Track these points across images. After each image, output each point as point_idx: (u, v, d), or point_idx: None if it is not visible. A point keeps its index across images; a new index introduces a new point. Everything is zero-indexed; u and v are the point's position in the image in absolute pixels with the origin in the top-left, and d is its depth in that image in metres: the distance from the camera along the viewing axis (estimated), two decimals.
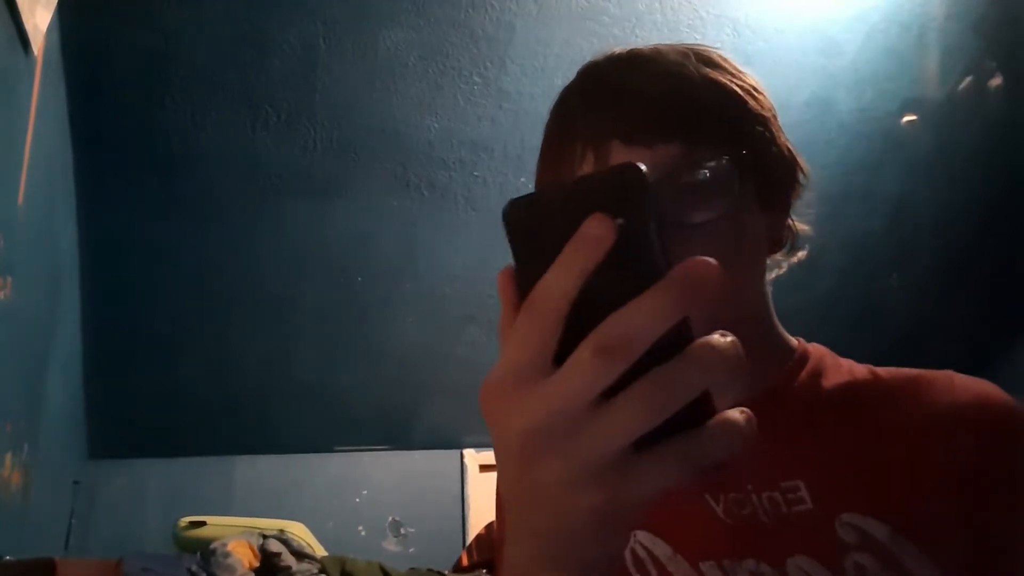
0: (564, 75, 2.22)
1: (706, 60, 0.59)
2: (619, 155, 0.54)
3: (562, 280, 0.30)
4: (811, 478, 0.55)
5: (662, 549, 0.58)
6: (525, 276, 0.32)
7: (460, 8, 2.13)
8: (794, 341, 0.65)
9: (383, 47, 2.16)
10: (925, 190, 2.82)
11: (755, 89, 0.61)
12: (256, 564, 2.15)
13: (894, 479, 0.53)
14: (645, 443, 0.30)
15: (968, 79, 2.60)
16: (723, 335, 0.30)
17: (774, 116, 0.62)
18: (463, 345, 2.88)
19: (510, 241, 0.33)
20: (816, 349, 0.65)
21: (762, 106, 0.60)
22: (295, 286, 2.61)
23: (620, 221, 0.30)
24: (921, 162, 2.76)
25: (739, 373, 0.30)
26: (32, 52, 1.62)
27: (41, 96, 1.77)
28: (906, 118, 2.65)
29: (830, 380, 0.61)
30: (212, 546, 2.13)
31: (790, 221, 0.65)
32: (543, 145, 0.64)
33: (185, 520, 2.50)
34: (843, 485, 0.54)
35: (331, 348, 2.78)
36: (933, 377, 0.59)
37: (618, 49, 0.61)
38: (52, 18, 1.68)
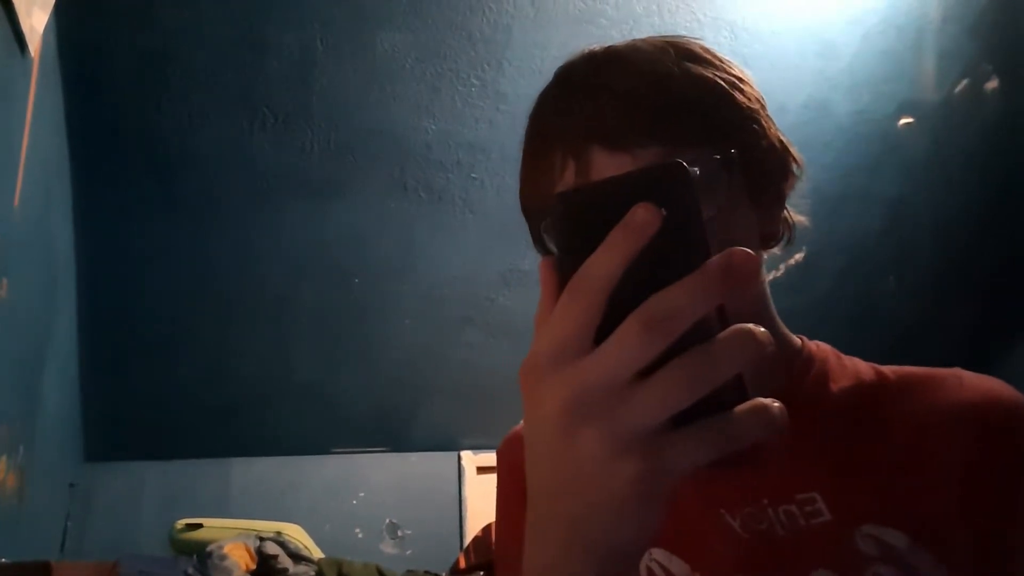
0: None
1: (687, 54, 0.56)
2: (601, 161, 0.53)
3: (606, 261, 0.31)
4: (827, 489, 0.54)
5: (679, 567, 0.56)
6: (568, 265, 0.33)
7: (457, 10, 2.13)
8: (797, 340, 0.64)
9: (380, 49, 2.16)
10: (922, 192, 2.83)
11: (740, 80, 0.59)
12: (253, 566, 2.14)
13: (908, 485, 0.52)
14: (682, 420, 0.31)
15: (964, 82, 2.60)
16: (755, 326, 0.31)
17: (762, 106, 0.60)
18: (461, 347, 2.88)
19: (556, 232, 0.34)
20: (820, 349, 0.63)
21: (749, 98, 0.58)
22: (293, 288, 2.61)
23: (664, 212, 0.31)
24: (918, 164, 2.77)
25: (768, 359, 0.30)
26: (29, 53, 1.62)
27: (38, 97, 1.77)
28: (903, 120, 2.65)
29: (837, 383, 0.59)
30: (209, 548, 2.12)
31: (786, 213, 0.63)
32: (523, 155, 0.63)
33: (181, 522, 2.49)
34: (859, 495, 0.53)
35: (328, 350, 2.78)
36: (941, 377, 0.58)
37: (594, 46, 0.59)
38: (49, 19, 1.68)
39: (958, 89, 2.62)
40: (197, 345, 2.67)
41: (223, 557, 2.06)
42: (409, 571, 2.50)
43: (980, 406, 0.54)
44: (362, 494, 3.02)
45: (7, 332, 1.71)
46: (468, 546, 2.48)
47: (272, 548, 2.19)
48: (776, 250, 0.65)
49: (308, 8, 2.06)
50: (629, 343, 0.30)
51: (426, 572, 2.51)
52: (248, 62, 2.12)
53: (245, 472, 2.94)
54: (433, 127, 2.35)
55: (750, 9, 2.28)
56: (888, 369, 0.61)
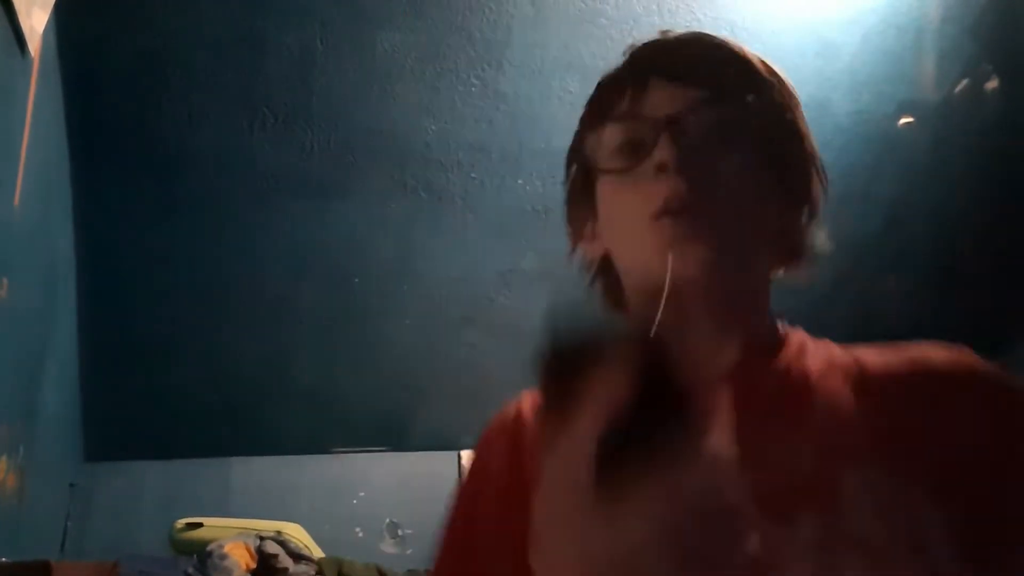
0: (561, 77, 2.25)
1: (742, 50, 0.65)
2: (655, 91, 0.59)
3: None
4: (803, 446, 0.55)
5: None
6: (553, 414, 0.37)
7: (457, 10, 2.13)
8: (780, 328, 0.65)
9: (380, 49, 2.16)
10: (922, 192, 2.83)
11: (782, 81, 0.66)
12: (253, 566, 2.14)
13: (882, 449, 0.53)
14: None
15: (964, 82, 2.60)
16: None
17: (802, 113, 0.66)
18: (461, 347, 2.88)
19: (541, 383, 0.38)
20: (796, 333, 0.65)
21: (786, 94, 0.65)
22: (292, 288, 2.61)
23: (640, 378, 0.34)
24: (918, 164, 2.77)
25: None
26: (29, 53, 1.62)
27: (38, 97, 1.77)
28: (903, 120, 2.65)
29: (813, 358, 0.61)
30: (209, 548, 2.13)
31: (807, 233, 0.65)
32: (584, 113, 0.67)
33: (182, 522, 2.49)
34: (835, 452, 0.54)
35: (328, 349, 2.78)
36: (911, 357, 0.59)
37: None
38: (48, 19, 1.68)
39: (958, 89, 2.62)
40: (197, 345, 2.67)
41: (223, 556, 2.06)
42: (409, 571, 2.50)
43: (950, 382, 0.57)
44: (362, 494, 3.02)
45: (7, 332, 1.71)
46: None
47: (272, 547, 2.19)
48: (794, 270, 0.67)
49: (308, 8, 2.06)
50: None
51: (427, 571, 2.51)
52: (248, 62, 2.12)
53: (245, 472, 2.93)
54: (433, 127, 2.35)
55: (750, 9, 2.28)
56: (864, 352, 0.62)
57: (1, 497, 1.76)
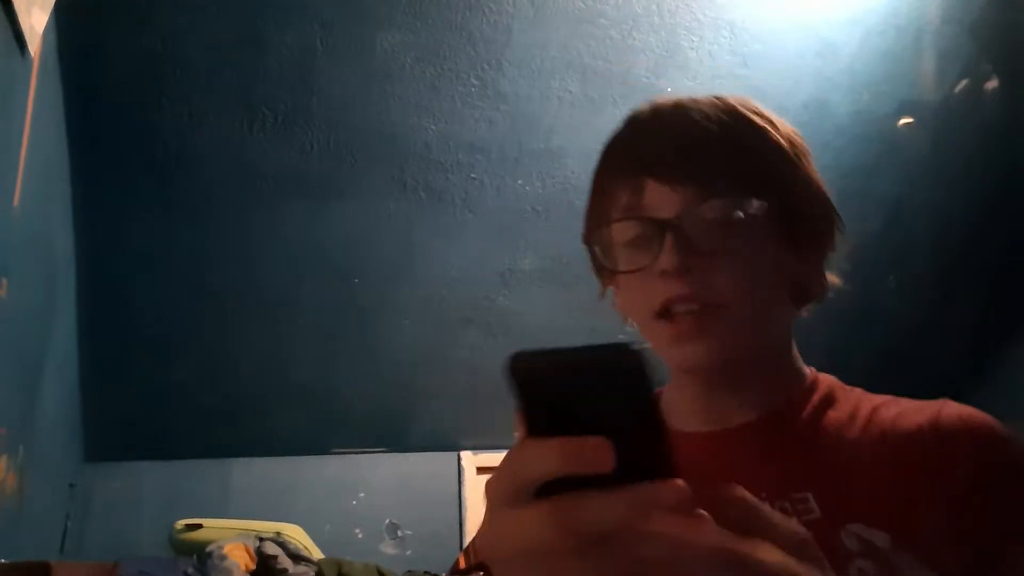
0: (561, 77, 2.24)
1: (731, 109, 0.63)
2: (652, 191, 0.60)
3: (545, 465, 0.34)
4: (819, 490, 0.58)
5: None
6: (531, 426, 0.36)
7: (457, 10, 2.13)
8: (807, 371, 0.68)
9: (380, 49, 2.16)
10: (922, 192, 2.83)
11: (780, 130, 0.64)
12: (253, 567, 2.14)
13: (893, 494, 0.56)
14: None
15: (964, 82, 2.60)
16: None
17: (806, 157, 0.65)
18: (460, 347, 2.88)
19: (516, 390, 0.37)
20: (825, 378, 0.68)
21: (790, 147, 0.64)
22: (292, 288, 2.61)
23: (615, 394, 0.34)
24: (918, 164, 2.77)
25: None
26: (28, 53, 1.62)
27: (37, 98, 1.77)
28: (903, 121, 2.65)
29: (839, 406, 0.64)
30: (208, 549, 2.13)
31: (824, 273, 0.68)
32: (590, 188, 0.69)
33: (181, 523, 2.50)
34: (848, 498, 0.57)
35: (328, 350, 2.78)
36: (929, 404, 0.63)
37: (661, 99, 0.67)
38: (48, 20, 1.68)
39: (958, 89, 2.62)
40: (197, 345, 2.67)
41: (223, 557, 2.06)
42: (409, 571, 2.50)
43: (961, 429, 0.59)
44: (362, 494, 3.02)
45: (7, 332, 1.71)
46: (468, 546, 2.48)
47: (272, 548, 2.19)
48: (810, 306, 0.69)
49: (308, 8, 2.06)
50: (534, 524, 0.33)
51: (426, 572, 2.51)
52: (248, 62, 2.12)
53: (245, 472, 2.93)
54: (433, 127, 2.35)
55: (750, 9, 2.28)
56: (881, 397, 0.65)
57: (1, 497, 1.76)
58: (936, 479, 0.56)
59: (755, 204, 0.59)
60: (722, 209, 0.59)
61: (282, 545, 2.24)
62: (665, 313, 0.59)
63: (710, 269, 0.58)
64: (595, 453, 0.32)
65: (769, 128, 0.63)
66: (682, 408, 0.65)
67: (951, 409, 0.61)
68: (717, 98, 0.64)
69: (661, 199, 0.60)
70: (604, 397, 0.34)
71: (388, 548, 2.96)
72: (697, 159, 0.60)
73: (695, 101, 0.63)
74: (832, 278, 0.69)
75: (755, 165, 0.61)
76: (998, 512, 0.55)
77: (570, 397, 0.34)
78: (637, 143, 0.65)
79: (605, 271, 0.68)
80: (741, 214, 0.59)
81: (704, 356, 0.59)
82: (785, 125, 0.65)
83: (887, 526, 0.54)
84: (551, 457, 0.34)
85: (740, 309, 0.59)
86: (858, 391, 0.67)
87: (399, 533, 3.00)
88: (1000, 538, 0.54)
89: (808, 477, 0.58)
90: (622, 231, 0.63)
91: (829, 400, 0.64)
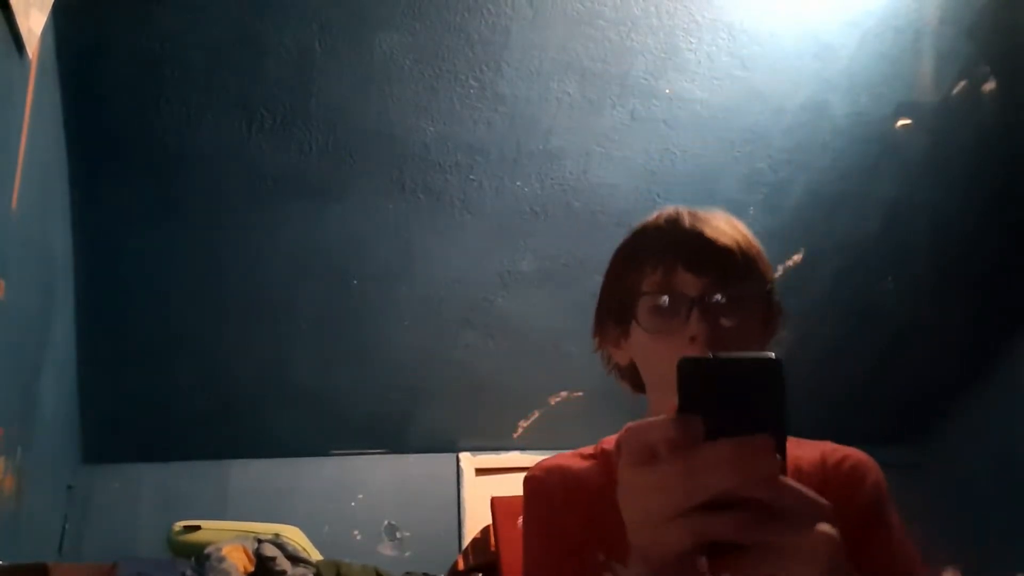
0: (560, 78, 2.24)
1: (746, 232, 0.87)
2: (681, 277, 0.82)
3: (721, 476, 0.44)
4: None
5: None
6: (692, 416, 0.46)
7: (456, 12, 2.13)
8: None
9: (379, 50, 2.16)
10: (920, 193, 2.83)
11: (761, 253, 0.88)
12: (251, 568, 2.14)
13: None
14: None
15: (962, 83, 2.61)
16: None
17: (768, 264, 0.89)
18: (459, 348, 2.88)
19: (683, 387, 0.47)
20: None
21: (769, 268, 0.88)
22: (291, 289, 2.61)
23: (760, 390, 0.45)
24: (916, 165, 2.77)
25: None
26: (27, 55, 1.62)
27: (36, 99, 1.77)
28: (901, 122, 2.66)
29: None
30: (207, 551, 2.12)
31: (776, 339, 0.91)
32: (617, 258, 0.91)
33: (180, 524, 2.49)
34: None
35: (326, 351, 2.77)
36: (815, 445, 0.88)
37: (684, 208, 0.89)
38: (47, 21, 1.68)
39: (956, 91, 2.62)
40: (195, 347, 2.67)
41: (221, 559, 2.06)
42: (408, 573, 2.50)
43: (842, 459, 0.86)
44: (360, 496, 3.02)
45: (5, 334, 1.71)
46: (467, 548, 2.48)
47: (270, 550, 2.19)
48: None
49: (306, 9, 2.06)
50: (717, 459, 0.44)
51: (424, 574, 2.51)
52: (246, 63, 2.12)
53: (243, 474, 2.93)
54: (431, 128, 2.35)
55: (748, 11, 2.28)
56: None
57: None
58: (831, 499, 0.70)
59: (753, 297, 0.82)
60: (732, 294, 0.81)
61: (280, 547, 2.24)
62: None
63: (722, 340, 0.78)
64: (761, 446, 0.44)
65: (758, 247, 0.87)
66: None
67: (830, 447, 0.88)
68: (723, 215, 0.87)
69: (687, 282, 0.81)
70: (756, 394, 0.45)
71: (387, 549, 2.96)
72: (719, 260, 0.82)
73: (719, 216, 0.87)
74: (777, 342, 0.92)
75: (754, 270, 0.84)
76: (871, 519, 0.80)
77: (730, 395, 0.45)
78: (677, 239, 0.84)
79: (615, 333, 0.89)
80: (743, 299, 0.81)
81: None
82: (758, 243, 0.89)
83: None
84: (723, 456, 0.44)
85: None
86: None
87: (398, 534, 3.00)
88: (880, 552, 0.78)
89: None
90: (653, 298, 0.83)
91: None
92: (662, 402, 0.84)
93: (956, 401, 3.37)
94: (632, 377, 0.92)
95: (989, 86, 2.62)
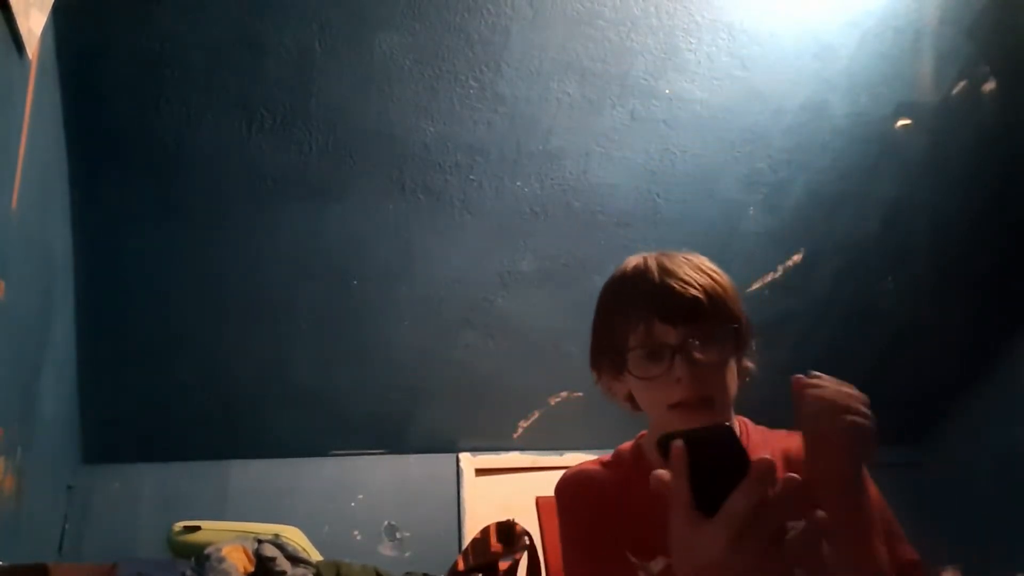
0: (560, 79, 2.24)
1: (707, 267, 0.98)
2: (659, 328, 0.93)
3: (747, 497, 0.55)
4: None
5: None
6: (697, 483, 0.59)
7: (456, 12, 2.13)
8: (737, 420, 1.04)
9: (379, 51, 2.16)
10: (920, 193, 2.83)
11: (734, 289, 0.99)
12: (251, 569, 2.14)
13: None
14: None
15: (962, 83, 2.61)
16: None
17: (737, 296, 0.99)
18: (459, 349, 2.88)
19: (691, 460, 0.59)
20: (743, 425, 1.06)
21: (736, 298, 0.98)
22: (290, 290, 2.61)
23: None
24: (916, 166, 2.77)
25: None
26: (27, 55, 1.62)
27: (36, 100, 1.77)
28: (900, 122, 2.66)
29: (754, 439, 1.04)
30: (207, 551, 2.12)
31: (748, 364, 1.02)
32: (601, 310, 1.03)
33: (179, 525, 2.49)
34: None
35: (326, 351, 2.77)
36: (790, 434, 1.01)
37: (654, 255, 1.00)
38: (47, 21, 1.68)
39: (956, 91, 2.62)
40: (195, 347, 2.67)
41: (221, 560, 2.06)
42: (408, 573, 2.50)
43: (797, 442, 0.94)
44: (360, 496, 3.02)
45: (4, 335, 1.71)
46: (467, 548, 2.48)
47: (270, 550, 2.19)
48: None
49: (306, 9, 2.06)
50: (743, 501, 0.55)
51: (425, 574, 2.51)
52: (246, 63, 2.12)
53: (243, 474, 2.93)
54: (431, 129, 2.35)
55: (748, 11, 2.29)
56: (764, 429, 1.06)
57: None
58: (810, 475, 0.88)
59: (725, 335, 0.94)
60: (706, 335, 0.93)
61: (280, 547, 2.23)
62: (676, 406, 0.92)
63: (704, 376, 0.91)
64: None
65: (724, 283, 0.97)
66: None
67: (787, 435, 1.02)
68: (686, 257, 0.98)
69: (666, 333, 0.93)
70: (721, 451, 0.58)
71: (387, 550, 2.96)
72: (691, 310, 0.92)
73: (684, 263, 0.97)
74: (750, 364, 1.02)
75: (723, 310, 0.94)
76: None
77: (707, 456, 0.58)
78: (650, 294, 0.95)
79: (610, 374, 1.01)
80: (718, 341, 0.93)
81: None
82: (725, 275, 0.98)
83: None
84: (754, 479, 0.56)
85: (721, 399, 0.94)
86: (754, 426, 1.06)
87: (398, 535, 3.00)
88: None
89: None
90: (640, 351, 0.94)
91: (749, 433, 1.04)
92: (661, 421, 0.97)
93: (956, 401, 3.37)
94: (631, 401, 1.02)
95: (989, 86, 2.63)
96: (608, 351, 1.00)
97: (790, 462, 0.96)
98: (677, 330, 0.92)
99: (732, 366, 0.96)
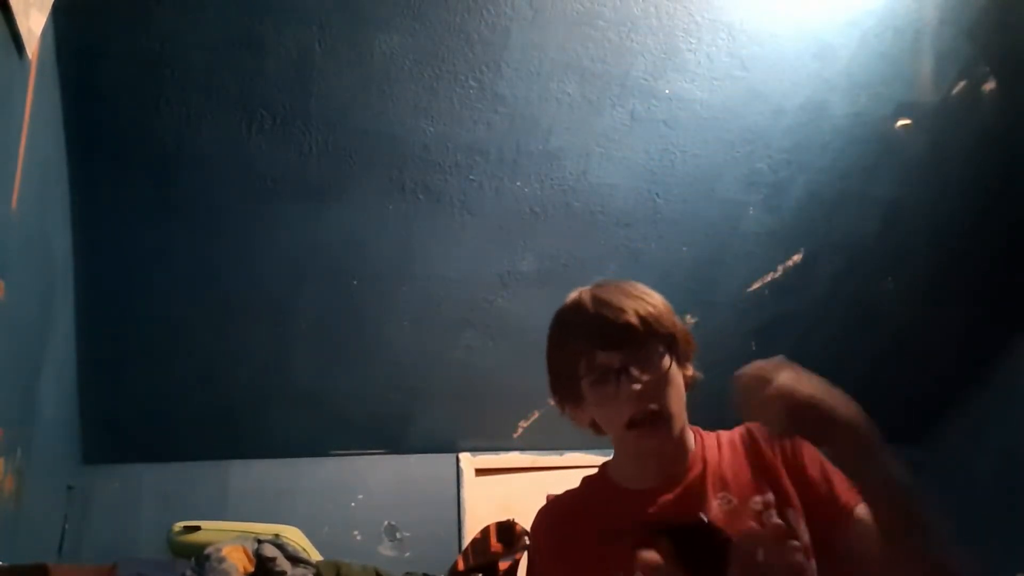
0: (559, 79, 2.25)
1: (636, 292, 1.05)
2: (601, 356, 1.01)
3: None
4: (727, 484, 1.02)
5: None
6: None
7: (456, 12, 2.13)
8: (691, 429, 1.08)
9: (379, 51, 2.16)
10: (919, 194, 2.84)
11: (666, 306, 1.06)
12: (251, 569, 2.14)
13: (755, 475, 1.03)
14: None
15: (962, 83, 2.61)
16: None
17: (671, 310, 1.07)
18: (459, 349, 2.88)
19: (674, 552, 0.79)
20: (695, 429, 1.09)
21: (670, 315, 1.05)
22: (291, 290, 2.61)
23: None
24: (916, 166, 2.77)
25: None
26: (26, 55, 1.62)
27: (35, 100, 1.76)
28: (900, 122, 2.66)
29: (707, 442, 1.08)
30: (207, 551, 2.12)
31: (692, 372, 1.08)
32: (549, 346, 1.10)
33: (179, 525, 2.49)
34: (741, 483, 1.02)
35: (326, 352, 2.77)
36: (737, 429, 1.09)
37: (588, 288, 1.07)
38: (46, 21, 1.68)
39: (955, 91, 2.62)
40: (195, 347, 2.67)
41: (221, 560, 2.06)
42: (408, 573, 2.50)
43: (754, 429, 1.07)
44: (360, 496, 3.02)
45: (4, 335, 1.71)
46: (467, 548, 2.48)
47: (270, 550, 2.19)
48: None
49: (306, 10, 2.06)
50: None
51: (425, 574, 2.51)
52: (246, 64, 2.12)
53: (243, 475, 2.93)
54: (431, 129, 2.35)
55: (748, 11, 2.29)
56: (714, 432, 1.11)
57: None
58: (761, 460, 1.03)
59: (662, 348, 1.01)
60: (644, 355, 1.00)
61: (280, 547, 2.24)
62: (631, 423, 1.00)
63: (649, 392, 0.99)
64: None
65: (656, 302, 1.04)
66: (633, 473, 1.06)
67: (744, 428, 1.08)
68: (618, 285, 1.06)
69: (608, 358, 1.01)
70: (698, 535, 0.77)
71: (387, 550, 2.96)
72: (625, 336, 1.00)
73: (616, 291, 1.04)
74: (695, 373, 1.08)
75: (656, 328, 1.01)
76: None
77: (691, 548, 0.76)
78: (587, 325, 1.03)
79: (570, 402, 1.08)
80: (657, 355, 1.01)
81: (657, 445, 1.01)
82: (656, 295, 1.06)
83: (762, 491, 0.99)
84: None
85: (668, 410, 1.01)
86: (706, 432, 1.10)
87: (398, 535, 3.00)
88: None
89: (720, 482, 1.02)
90: (587, 379, 1.02)
91: (703, 440, 1.09)
92: (622, 442, 1.06)
93: (956, 401, 3.37)
94: (595, 426, 1.09)
95: (988, 86, 2.63)
96: (563, 382, 1.08)
97: (735, 449, 1.06)
98: (617, 354, 1.00)
99: (677, 378, 1.03)
